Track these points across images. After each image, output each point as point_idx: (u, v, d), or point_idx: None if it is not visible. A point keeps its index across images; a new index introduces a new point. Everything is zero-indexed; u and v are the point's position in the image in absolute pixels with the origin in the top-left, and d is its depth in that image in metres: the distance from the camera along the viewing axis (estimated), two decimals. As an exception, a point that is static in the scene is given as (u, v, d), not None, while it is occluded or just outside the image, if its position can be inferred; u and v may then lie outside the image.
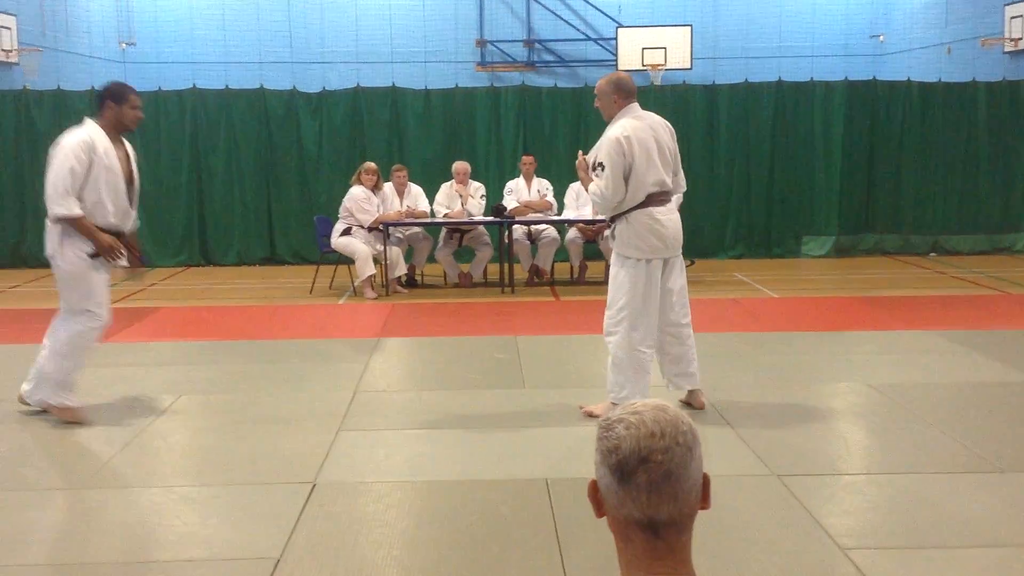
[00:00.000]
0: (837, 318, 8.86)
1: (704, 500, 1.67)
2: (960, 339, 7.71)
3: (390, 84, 13.49)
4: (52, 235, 5.79)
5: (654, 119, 5.74)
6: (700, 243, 12.53)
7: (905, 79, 13.60)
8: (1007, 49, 18.00)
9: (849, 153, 13.02)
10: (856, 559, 3.83)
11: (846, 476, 4.92)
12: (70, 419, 5.83)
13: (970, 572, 3.79)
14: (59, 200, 5.64)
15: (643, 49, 18.12)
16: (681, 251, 5.80)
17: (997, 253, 12.86)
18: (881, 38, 19.94)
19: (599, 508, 1.68)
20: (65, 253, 5.76)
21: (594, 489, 1.68)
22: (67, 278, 5.82)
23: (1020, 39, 17.59)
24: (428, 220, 11.02)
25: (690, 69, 16.87)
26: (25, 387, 6.01)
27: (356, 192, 10.57)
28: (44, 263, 12.74)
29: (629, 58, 18.24)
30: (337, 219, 10.74)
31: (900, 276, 11.43)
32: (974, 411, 5.85)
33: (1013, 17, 17.78)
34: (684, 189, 5.97)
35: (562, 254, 11.43)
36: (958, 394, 6.23)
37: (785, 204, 13.13)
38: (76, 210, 5.64)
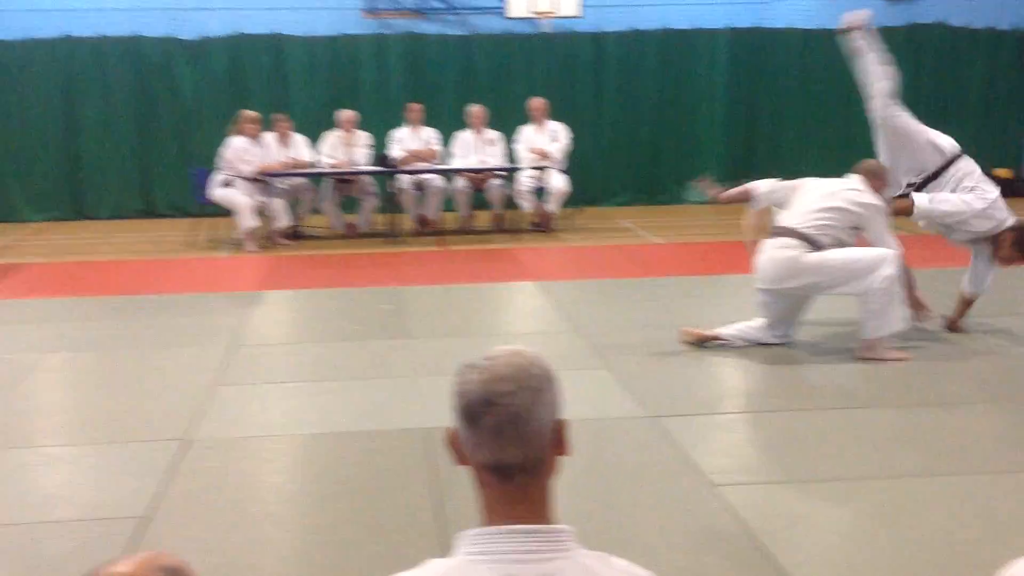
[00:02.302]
0: (719, 262, 8.99)
1: (560, 445, 1.65)
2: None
3: (273, 31, 13.14)
4: None
5: None
6: (587, 191, 12.58)
7: (788, 26, 13.78)
8: (885, -4, 18.35)
9: (733, 100, 13.17)
10: (726, 495, 3.91)
11: (720, 415, 5.02)
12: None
13: (832, 503, 3.91)
14: None
15: (532, -4, 17.99)
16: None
17: (875, 197, 13.19)
18: (765, -14, 20.14)
19: (459, 455, 1.67)
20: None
21: (452, 437, 1.68)
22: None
23: (897, -13, 17.96)
24: (312, 170, 10.82)
25: (581, 17, 16.83)
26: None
27: (236, 142, 10.31)
28: None
29: (518, 5, 18.11)
30: (217, 170, 10.47)
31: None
32: (844, 349, 6.01)
33: (891, -35, 18.13)
34: None
35: (450, 203, 11.36)
36: (826, 332, 6.39)
37: (671, 151, 13.25)
38: None
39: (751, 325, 6.08)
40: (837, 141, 13.32)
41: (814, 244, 5.71)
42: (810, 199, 5.88)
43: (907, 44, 13.28)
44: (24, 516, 3.91)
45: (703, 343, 6.08)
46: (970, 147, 12.99)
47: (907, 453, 4.40)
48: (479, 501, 1.64)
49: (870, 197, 5.85)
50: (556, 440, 1.64)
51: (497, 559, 1.56)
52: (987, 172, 12.67)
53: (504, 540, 1.58)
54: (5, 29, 14.94)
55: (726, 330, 6.12)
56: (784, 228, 5.83)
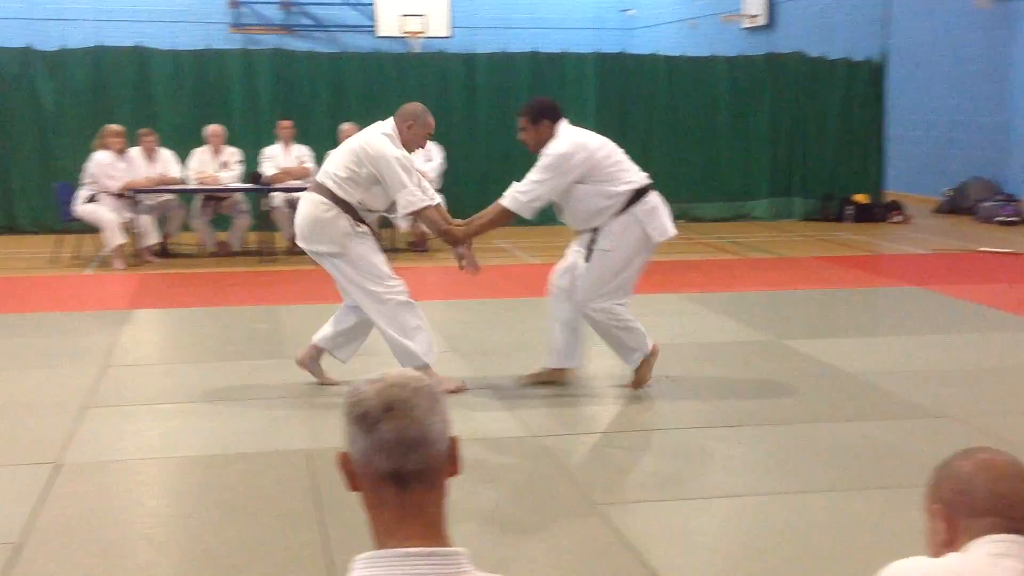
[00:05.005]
0: (592, 283, 9.14)
1: (453, 463, 1.68)
2: (704, 301, 8.14)
3: (136, 43, 12.82)
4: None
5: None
6: (462, 213, 12.57)
7: (652, 52, 14.14)
8: (745, 25, 19.12)
9: (602, 124, 13.34)
10: (607, 513, 3.99)
11: (599, 435, 5.11)
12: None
13: (711, 522, 4.03)
14: None
15: (402, 16, 18.04)
16: (311, 246, 5.57)
17: (738, 219, 13.63)
18: (632, 12, 20.65)
19: (351, 479, 1.67)
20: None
21: (344, 460, 1.67)
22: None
23: (757, 16, 18.73)
24: (181, 187, 10.59)
25: (450, 38, 16.95)
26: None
27: (101, 157, 10.02)
28: None
29: (388, 25, 18.13)
30: (81, 185, 10.15)
31: (650, 242, 11.91)
32: (716, 369, 6.19)
33: (751, -4, 18.85)
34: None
35: (323, 222, 11.23)
36: (702, 353, 6.57)
37: (543, 172, 13.40)
38: None
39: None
40: (702, 162, 13.71)
41: None
42: None
43: (766, 73, 13.81)
44: None
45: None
46: (829, 174, 13.70)
47: (788, 470, 4.56)
48: (372, 523, 1.64)
49: None
50: (450, 457, 1.67)
51: None
52: (847, 198, 13.37)
53: (399, 563, 1.58)
54: None
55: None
56: None
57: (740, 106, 13.76)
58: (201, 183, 10.61)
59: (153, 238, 10.28)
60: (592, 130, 13.99)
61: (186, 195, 10.77)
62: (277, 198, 10.75)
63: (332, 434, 4.88)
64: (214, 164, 10.75)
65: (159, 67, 12.50)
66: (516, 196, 5.45)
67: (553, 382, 5.75)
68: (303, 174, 10.98)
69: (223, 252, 10.70)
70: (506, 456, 4.72)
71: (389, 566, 1.58)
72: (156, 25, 16.86)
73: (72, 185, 10.41)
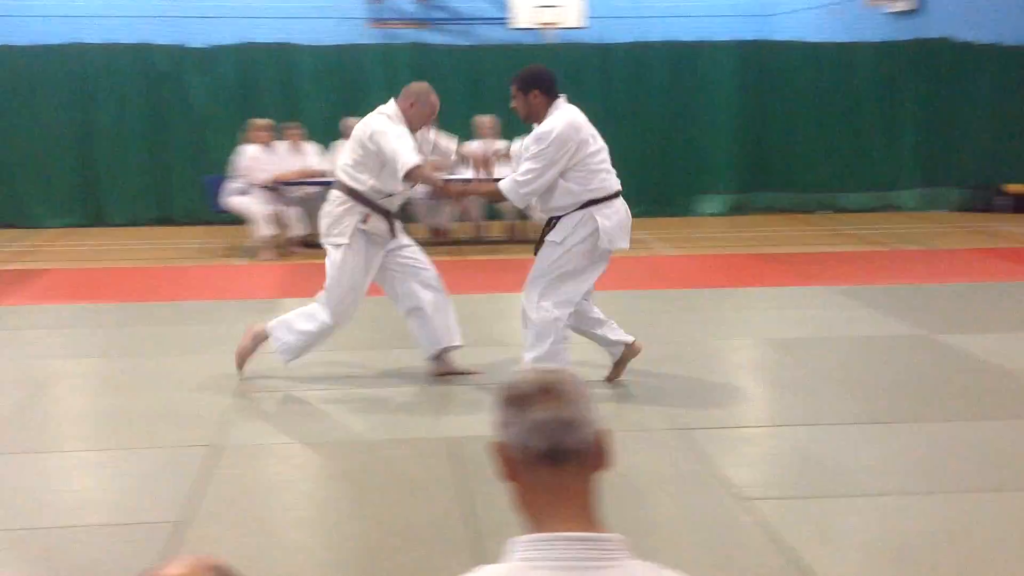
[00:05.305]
0: (734, 275, 9.02)
1: (602, 456, 1.70)
2: (852, 294, 7.93)
3: (279, 40, 13.17)
4: None
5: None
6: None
7: (793, 39, 13.83)
8: (890, 10, 18.51)
9: (742, 112, 13.21)
10: (758, 509, 3.92)
11: (746, 429, 5.03)
12: None
13: (863, 520, 3.91)
14: None
15: (537, 7, 18.06)
16: (324, 240, 5.68)
17: (884, 211, 13.24)
18: (771, -2, 20.17)
19: (507, 467, 1.69)
20: None
21: (499, 448, 1.70)
22: None
23: (902, 0, 18.09)
24: (326, 179, 10.83)
25: (586, 28, 16.88)
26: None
27: (249, 150, 10.35)
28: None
29: (522, 16, 18.17)
30: (230, 178, 10.50)
31: (793, 233, 11.70)
32: (865, 364, 6.03)
33: (897, -20, 18.25)
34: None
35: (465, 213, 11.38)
36: (850, 347, 6.41)
37: (681, 162, 13.27)
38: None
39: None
40: (847, 151, 13.37)
41: None
42: None
43: (913, 59, 13.36)
44: (57, 520, 3.92)
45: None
46: (981, 164, 13.18)
47: (942, 468, 4.40)
48: (525, 511, 1.67)
49: None
50: (599, 449, 1.70)
51: (551, 565, 1.59)
52: (998, 189, 12.83)
53: (558, 547, 1.61)
54: (16, 34, 15.01)
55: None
56: None
57: (886, 93, 13.35)
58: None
59: (300, 229, 10.56)
60: (733, 120, 13.92)
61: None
62: (418, 189, 10.88)
63: (477, 422, 4.93)
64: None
65: (302, 63, 12.84)
66: (513, 185, 5.24)
67: (627, 357, 5.66)
68: (444, 165, 11.10)
69: (365, 243, 10.91)
70: (651, 448, 4.68)
71: (543, 549, 1.61)
72: (298, 22, 17.28)
73: (221, 177, 10.78)
